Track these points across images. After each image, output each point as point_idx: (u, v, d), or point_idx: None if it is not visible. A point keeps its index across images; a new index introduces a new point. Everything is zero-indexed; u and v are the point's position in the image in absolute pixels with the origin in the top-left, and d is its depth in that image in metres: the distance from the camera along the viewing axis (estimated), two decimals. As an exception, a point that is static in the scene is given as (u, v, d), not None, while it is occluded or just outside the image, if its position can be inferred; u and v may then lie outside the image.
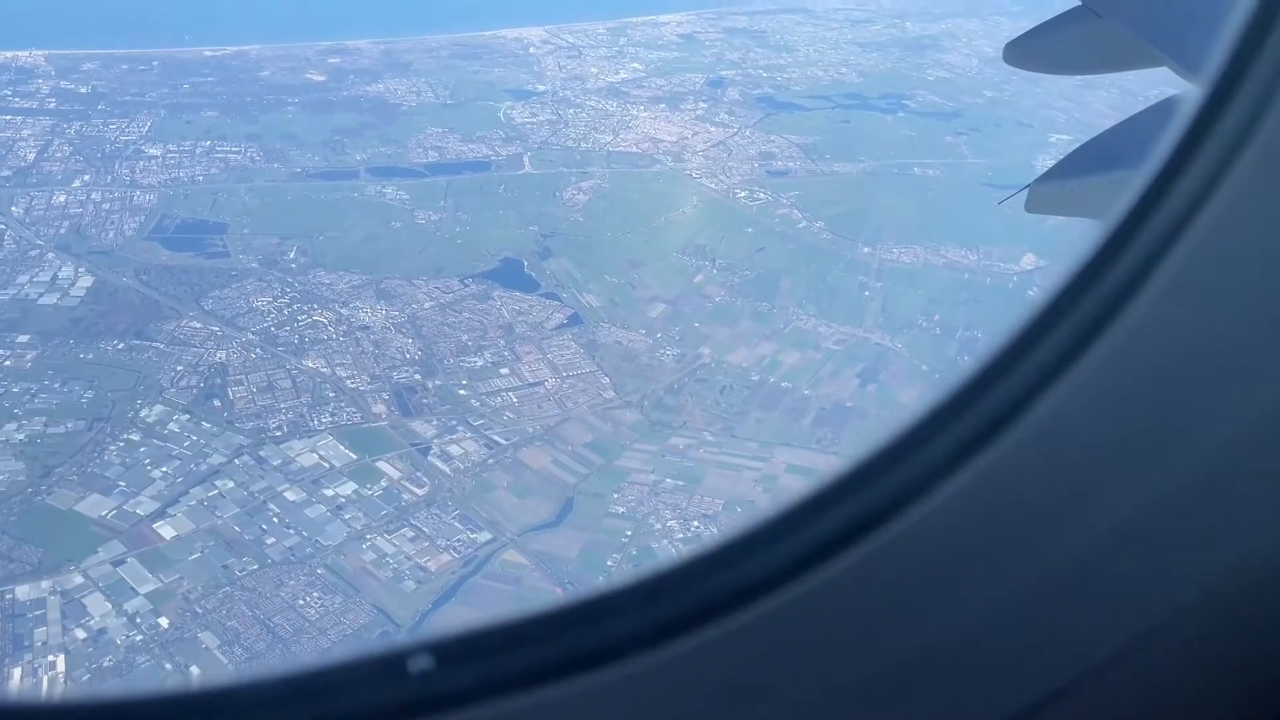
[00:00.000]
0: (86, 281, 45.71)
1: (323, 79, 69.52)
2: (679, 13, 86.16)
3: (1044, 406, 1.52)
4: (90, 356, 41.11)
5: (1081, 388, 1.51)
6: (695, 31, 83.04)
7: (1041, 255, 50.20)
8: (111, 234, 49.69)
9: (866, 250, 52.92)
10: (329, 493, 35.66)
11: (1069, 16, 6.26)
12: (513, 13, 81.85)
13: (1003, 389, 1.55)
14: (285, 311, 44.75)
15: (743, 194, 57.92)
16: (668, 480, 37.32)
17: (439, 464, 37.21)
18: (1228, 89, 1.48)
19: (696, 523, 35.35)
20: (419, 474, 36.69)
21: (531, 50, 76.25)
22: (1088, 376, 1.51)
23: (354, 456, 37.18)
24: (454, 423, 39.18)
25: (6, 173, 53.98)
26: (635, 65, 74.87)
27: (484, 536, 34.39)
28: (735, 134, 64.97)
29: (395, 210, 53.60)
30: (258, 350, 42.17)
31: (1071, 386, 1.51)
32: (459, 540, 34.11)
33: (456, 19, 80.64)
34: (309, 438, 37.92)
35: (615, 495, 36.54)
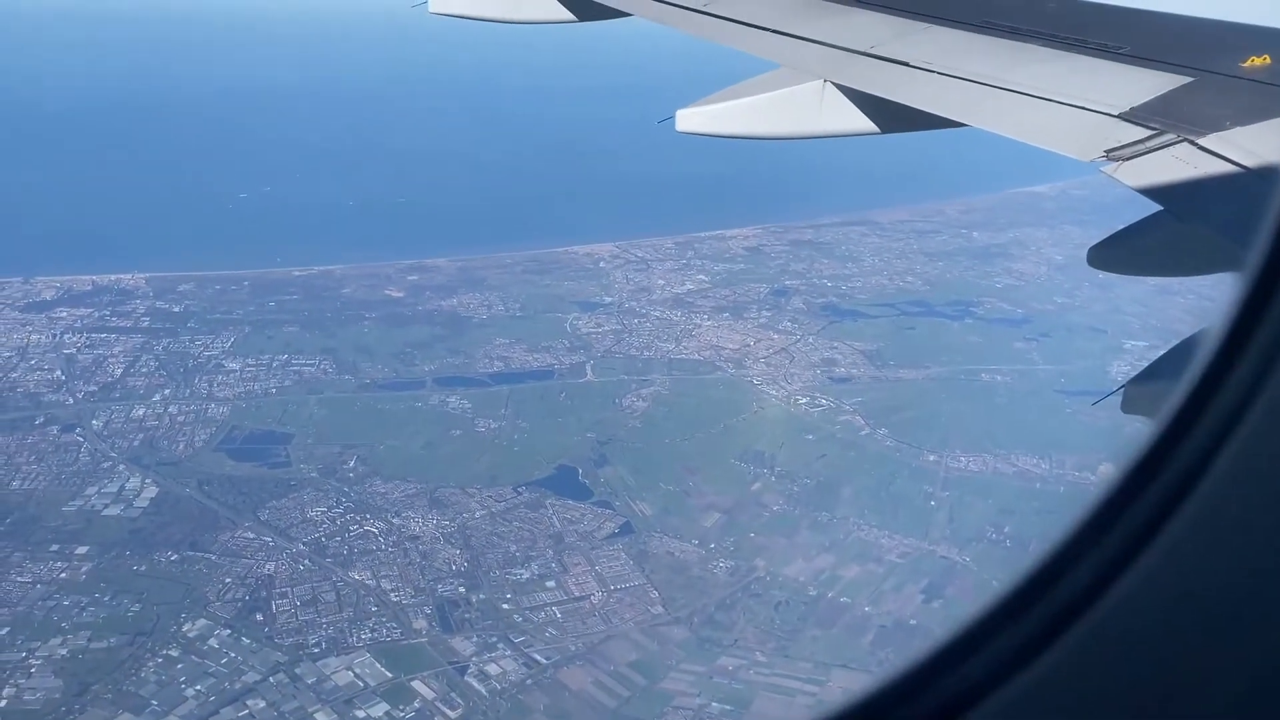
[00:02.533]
0: (151, 492, 46.61)
1: (401, 295, 72.46)
2: (746, 227, 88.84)
3: (1065, 644, 1.54)
4: (143, 568, 41.35)
5: (1103, 627, 1.53)
6: (761, 244, 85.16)
7: (1118, 464, 47.96)
8: (182, 445, 51.05)
9: (932, 458, 51.42)
10: (360, 714, 34.33)
11: (1153, 221, 6.09)
12: (585, 229, 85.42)
13: (1026, 624, 1.58)
14: (338, 522, 44.77)
15: (804, 400, 57.39)
16: (714, 705, 35.16)
17: (475, 684, 35.73)
18: (1258, 306, 1.55)
19: (743, 754, 32.95)
20: (453, 695, 35.20)
21: (601, 264, 78.84)
22: (1107, 617, 1.53)
23: (389, 675, 35.98)
24: (494, 639, 37.89)
25: (93, 388, 56.44)
26: (701, 277, 76.62)
27: (515, 765, 32.48)
28: (798, 341, 65.18)
29: (457, 419, 54.26)
30: (306, 562, 41.96)
31: (1091, 628, 1.54)
32: (488, 769, 32.25)
33: (531, 236, 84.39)
34: (346, 655, 36.95)
35: (657, 721, 34.44)
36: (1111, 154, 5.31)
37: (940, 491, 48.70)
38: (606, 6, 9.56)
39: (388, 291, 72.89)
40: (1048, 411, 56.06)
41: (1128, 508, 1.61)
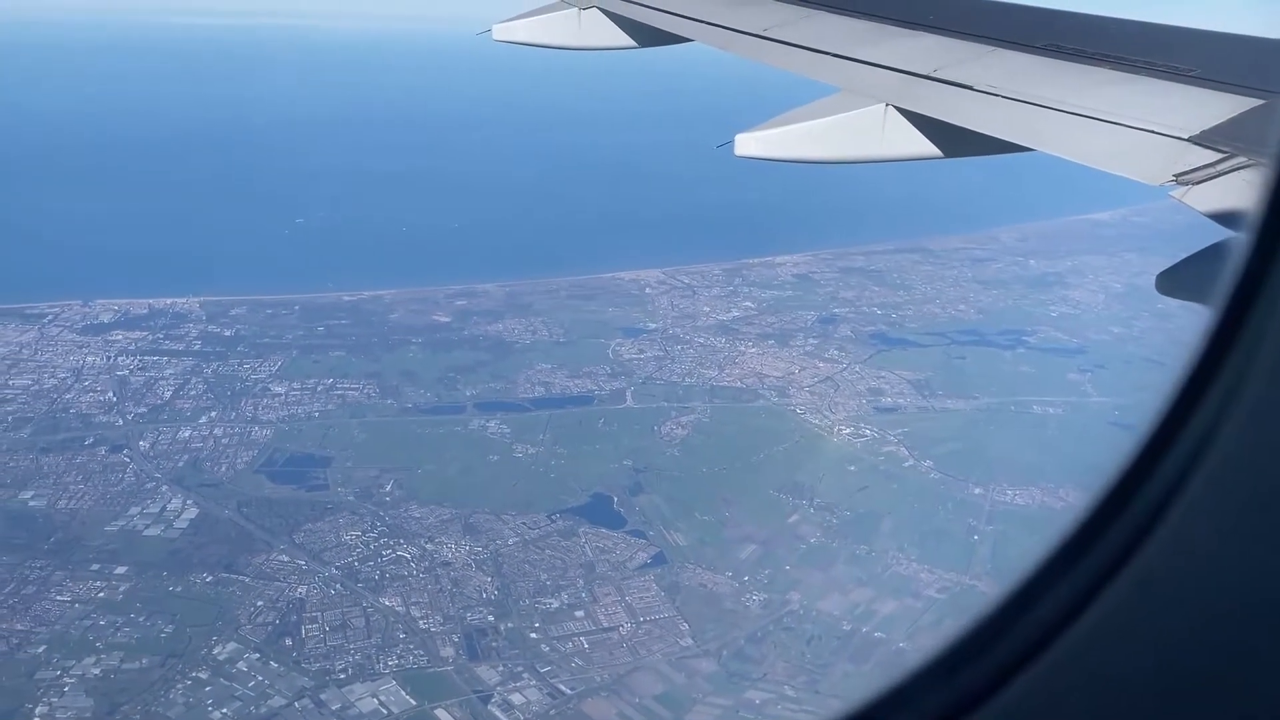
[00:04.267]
0: (191, 514, 47.15)
1: (448, 319, 72.89)
2: (796, 254, 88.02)
3: (1043, 663, 1.64)
4: (179, 589, 41.76)
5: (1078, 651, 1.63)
6: (811, 271, 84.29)
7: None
8: (224, 467, 51.65)
9: (978, 491, 50.09)
10: (382, 742, 34.15)
11: (1227, 246, 5.86)
12: (634, 255, 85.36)
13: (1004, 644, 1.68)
14: (371, 546, 44.83)
15: (847, 430, 56.38)
16: (739, 740, 34.36)
17: (498, 713, 35.37)
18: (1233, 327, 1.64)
19: (767, 794, 32.08)
20: (475, 724, 34.92)
21: (647, 290, 78.63)
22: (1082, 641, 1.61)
23: (413, 703, 35.80)
24: (520, 669, 37.50)
25: (142, 409, 57.48)
26: (748, 304, 76.02)
27: (534, 798, 31.98)
28: (844, 369, 64.18)
29: (495, 444, 54.21)
30: (338, 586, 42.03)
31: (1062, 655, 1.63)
32: (506, 802, 31.78)
33: (580, 262, 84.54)
34: (372, 681, 36.85)
35: (681, 757, 33.73)
36: (1181, 178, 5.18)
37: (984, 526, 47.37)
38: (667, 32, 9.64)
39: (435, 316, 73.40)
40: (1101, 445, 54.25)
41: (1106, 528, 1.69)
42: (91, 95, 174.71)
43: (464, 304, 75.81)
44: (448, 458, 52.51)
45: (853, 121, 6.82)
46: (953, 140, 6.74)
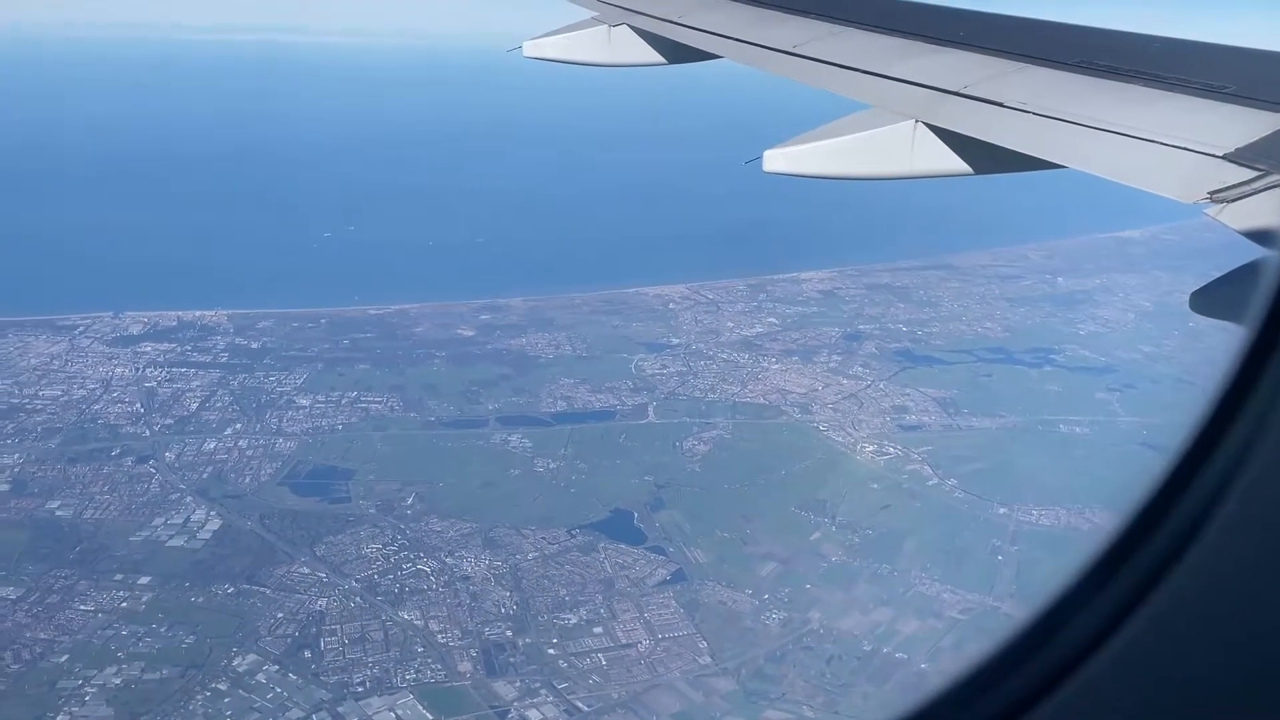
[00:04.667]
0: (214, 525, 47.44)
1: (472, 334, 73.15)
2: (821, 270, 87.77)
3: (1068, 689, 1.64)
4: (200, 600, 41.98)
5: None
6: (836, 288, 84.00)
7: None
8: (248, 479, 51.98)
9: (1002, 511, 49.55)
10: (398, 756, 34.11)
11: (1266, 264, 5.81)
12: (657, 270, 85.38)
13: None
14: (392, 559, 44.93)
15: (870, 448, 55.98)
16: (757, 760, 34.04)
17: (514, 730, 35.30)
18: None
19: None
20: (491, 740, 34.82)
21: (671, 305, 78.62)
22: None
23: (430, 717, 35.76)
24: (537, 684, 37.38)
25: (169, 421, 58.01)
26: (772, 320, 75.80)
27: (549, 816, 31.78)
28: (868, 387, 63.79)
29: (516, 458, 54.24)
30: (357, 599, 42.13)
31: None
32: (520, 819, 31.62)
33: (605, 277, 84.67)
34: (389, 695, 36.82)
35: (697, 776, 33.47)
36: (1215, 196, 5.12)
37: (1009, 546, 46.81)
38: (696, 49, 9.71)
39: (459, 330, 73.68)
40: (1129, 465, 53.59)
41: (1139, 547, 1.67)
42: (123, 110, 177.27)
43: (488, 318, 76.08)
44: (469, 471, 52.59)
45: (882, 138, 6.81)
46: (982, 157, 6.72)
